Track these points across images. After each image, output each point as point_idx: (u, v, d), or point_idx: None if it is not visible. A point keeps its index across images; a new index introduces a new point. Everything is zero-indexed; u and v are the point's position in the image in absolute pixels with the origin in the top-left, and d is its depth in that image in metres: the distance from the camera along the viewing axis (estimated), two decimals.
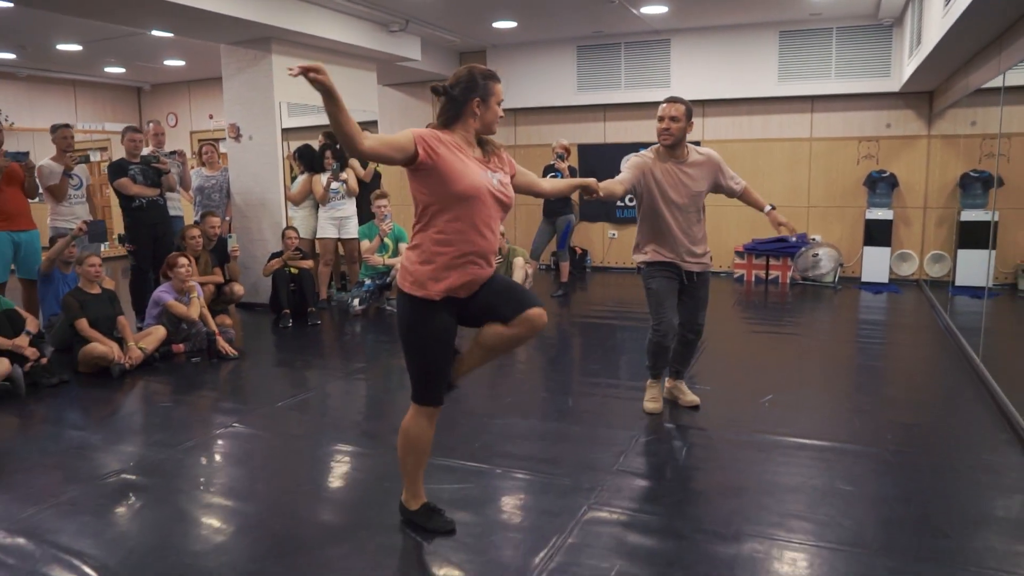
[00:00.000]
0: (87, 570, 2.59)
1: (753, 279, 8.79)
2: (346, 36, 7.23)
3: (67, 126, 6.35)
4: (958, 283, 7.25)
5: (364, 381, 5.16)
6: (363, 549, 2.73)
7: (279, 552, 2.71)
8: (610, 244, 9.74)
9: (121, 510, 3.11)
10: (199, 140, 12.10)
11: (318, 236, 7.35)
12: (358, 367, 5.45)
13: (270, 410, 4.43)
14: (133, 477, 3.42)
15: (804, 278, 8.49)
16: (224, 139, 7.56)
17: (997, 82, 4.83)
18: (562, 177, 7.71)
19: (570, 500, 3.07)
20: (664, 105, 3.83)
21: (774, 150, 8.84)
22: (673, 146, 3.86)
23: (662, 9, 7.56)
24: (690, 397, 4.28)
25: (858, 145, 8.49)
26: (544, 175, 7.93)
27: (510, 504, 3.10)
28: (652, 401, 4.20)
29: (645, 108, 9.21)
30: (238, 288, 6.59)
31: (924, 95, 8.09)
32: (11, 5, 6.06)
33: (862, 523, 2.86)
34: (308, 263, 6.85)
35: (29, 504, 3.14)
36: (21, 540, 2.82)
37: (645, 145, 9.33)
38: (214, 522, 3.01)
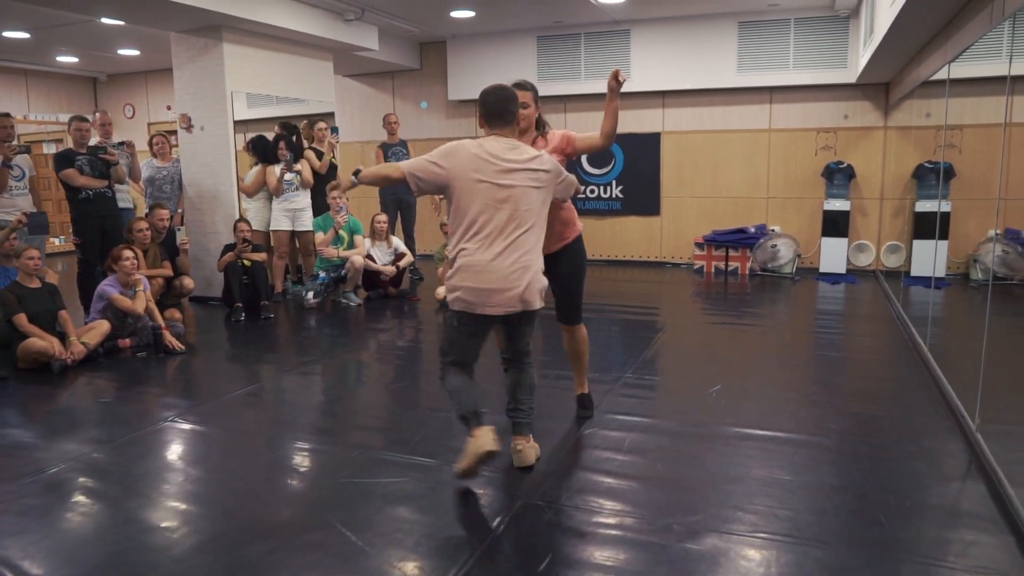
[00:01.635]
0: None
1: (713, 270, 8.82)
2: (299, 24, 7.10)
3: (6, 115, 6.16)
4: (913, 273, 7.33)
5: (318, 375, 5.08)
6: (323, 544, 2.66)
7: (218, 548, 2.64)
8: None
9: (51, 510, 3.01)
10: (157, 132, 11.90)
11: (272, 228, 7.24)
12: (311, 360, 5.37)
13: (217, 405, 4.35)
14: (68, 475, 3.32)
15: (763, 269, 8.54)
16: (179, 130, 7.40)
17: (943, 74, 4.86)
18: None
19: (506, 493, 3.03)
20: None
21: (734, 141, 8.87)
22: (523, 131, 3.63)
23: None
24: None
25: (816, 136, 8.54)
26: None
27: (444, 499, 3.04)
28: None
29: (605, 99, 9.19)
30: (188, 282, 6.46)
31: (880, 87, 8.16)
32: None
33: (798, 513, 2.86)
34: (261, 256, 6.74)
35: None
36: None
37: None
38: (151, 519, 2.93)
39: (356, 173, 3.30)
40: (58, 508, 3.03)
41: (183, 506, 3.05)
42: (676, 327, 6.19)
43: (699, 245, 8.88)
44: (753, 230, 8.70)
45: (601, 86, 8.75)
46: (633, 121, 9.18)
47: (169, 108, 11.92)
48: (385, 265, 7.20)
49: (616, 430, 3.76)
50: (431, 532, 2.75)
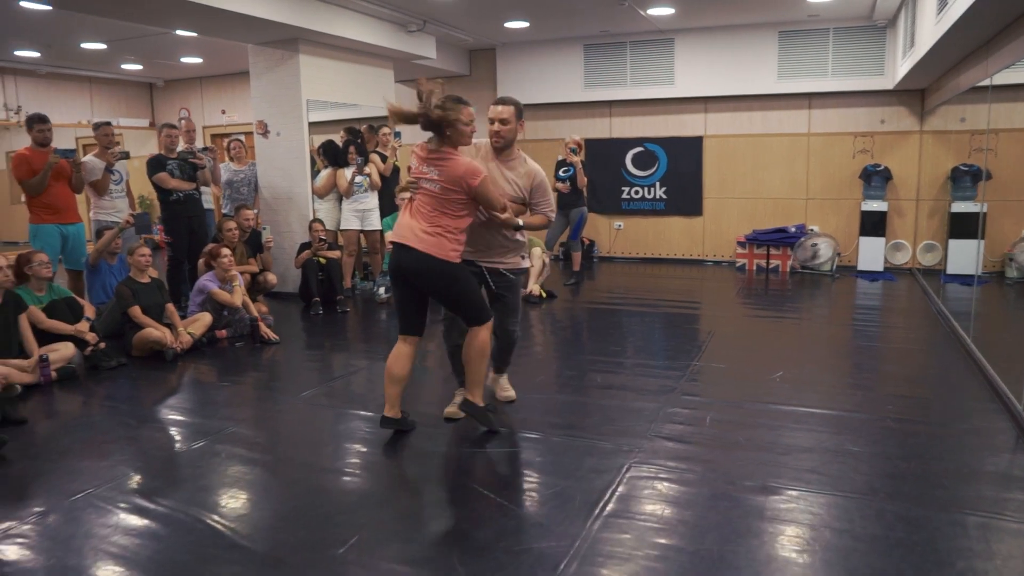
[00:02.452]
0: (210, 522, 2.97)
1: (754, 268, 9.20)
2: (367, 36, 7.57)
3: (108, 124, 6.66)
4: (949, 271, 7.70)
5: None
6: (465, 501, 3.11)
7: (376, 502, 3.10)
8: (616, 235, 10.13)
9: (222, 472, 3.48)
10: (212, 135, 12.45)
11: (342, 228, 7.70)
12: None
13: (329, 387, 4.81)
14: (220, 446, 3.79)
15: (803, 267, 8.92)
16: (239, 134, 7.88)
17: (985, 82, 5.24)
18: (574, 171, 8.11)
19: (613, 460, 3.46)
20: (495, 107, 3.75)
21: (773, 145, 9.25)
22: (501, 149, 3.80)
23: (669, 11, 7.94)
24: (507, 393, 4.32)
25: (854, 140, 8.91)
26: (556, 169, 8.31)
27: (561, 464, 3.48)
28: (451, 405, 4.08)
29: (649, 104, 9.62)
30: (271, 277, 6.94)
31: (916, 93, 8.51)
32: (48, 7, 6.38)
33: (871, 476, 3.28)
34: (336, 253, 7.21)
35: (126, 470, 3.51)
36: (141, 500, 3.19)
37: (650, 140, 9.72)
38: (314, 481, 3.39)
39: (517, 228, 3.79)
40: (226, 470, 3.50)
41: (346, 470, 3.51)
42: (725, 322, 6.60)
43: (741, 244, 9.27)
44: (793, 230, 9.08)
45: (646, 91, 9.27)
46: (676, 125, 9.60)
47: (224, 112, 12.45)
48: None
49: (696, 409, 4.18)
50: (556, 491, 3.19)
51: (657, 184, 9.82)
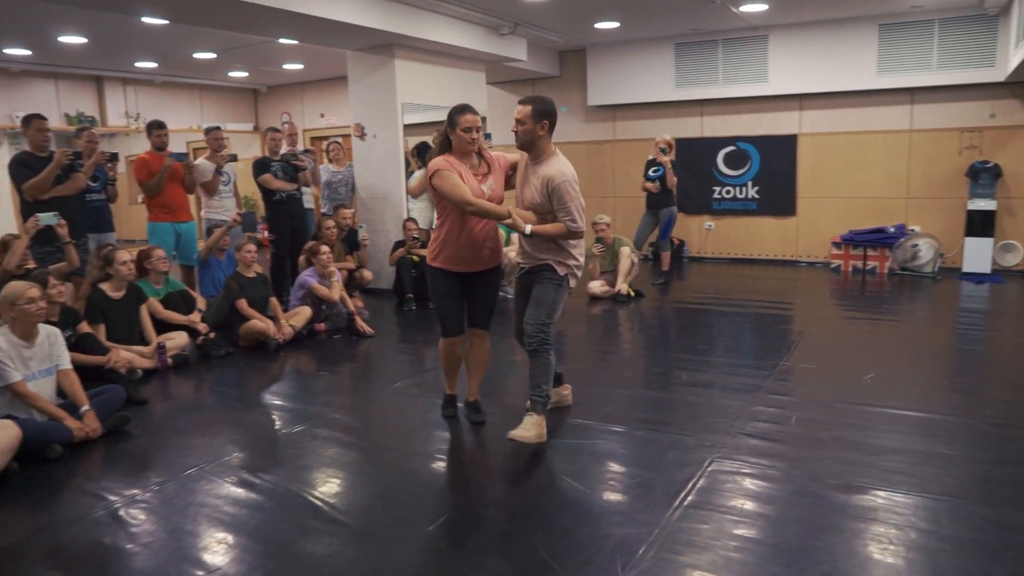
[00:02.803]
0: (311, 500, 3.19)
1: (850, 269, 8.95)
2: (461, 40, 7.78)
3: (218, 128, 7.09)
4: None
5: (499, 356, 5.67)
6: (549, 488, 3.23)
7: (468, 486, 3.25)
8: (707, 235, 10.03)
9: (320, 453, 3.71)
10: (312, 138, 12.98)
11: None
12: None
13: (424, 378, 5.01)
14: (318, 429, 4.03)
15: (903, 268, 8.61)
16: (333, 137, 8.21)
17: None
18: (663, 171, 8.10)
19: (695, 454, 3.50)
20: (517, 106, 3.69)
21: (872, 142, 8.97)
22: (523, 149, 3.70)
23: (762, 7, 7.83)
24: (564, 393, 4.24)
25: (960, 136, 8.54)
26: (646, 169, 8.32)
27: (644, 456, 3.55)
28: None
29: (742, 103, 9.48)
30: (367, 274, 7.23)
31: None
32: (165, 22, 6.86)
33: (962, 479, 3.20)
34: None
35: (234, 449, 3.78)
36: (247, 475, 3.45)
37: (742, 139, 9.61)
38: (407, 464, 3.57)
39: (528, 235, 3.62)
40: (324, 452, 3.72)
41: (436, 455, 3.68)
42: (817, 323, 6.47)
43: (836, 244, 9.03)
44: (892, 230, 8.78)
45: (738, 89, 9.15)
46: (770, 123, 9.43)
47: (322, 116, 12.97)
48: None
49: (782, 408, 4.16)
50: (638, 481, 3.26)
51: (749, 183, 9.67)
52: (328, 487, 3.31)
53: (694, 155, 9.78)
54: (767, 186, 9.58)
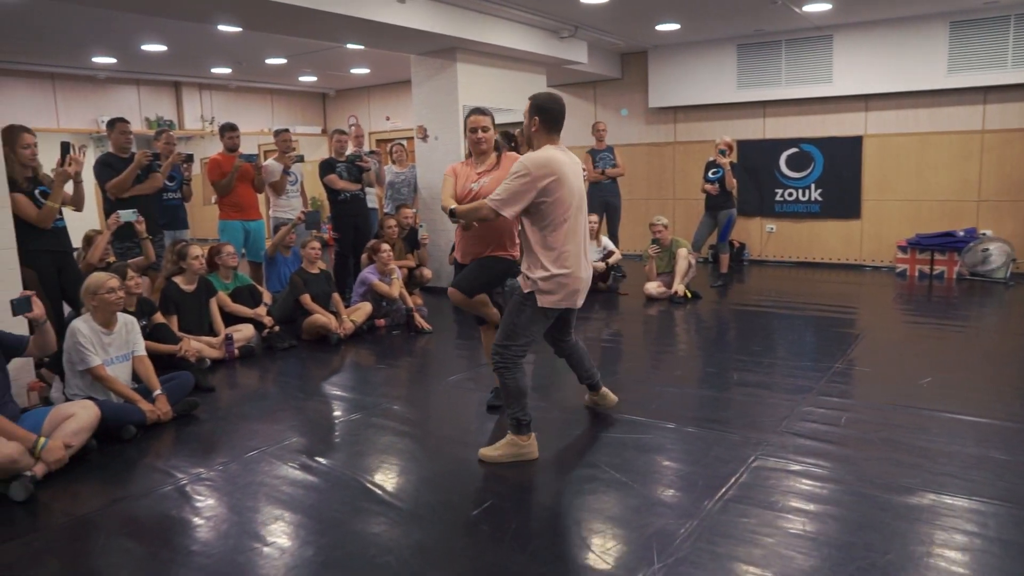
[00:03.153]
0: (364, 484, 3.35)
1: (916, 274, 8.73)
2: (521, 44, 7.90)
3: (286, 130, 7.38)
4: None
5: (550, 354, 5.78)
6: (595, 478, 3.32)
7: (512, 476, 3.36)
8: (768, 238, 9.92)
9: (376, 441, 3.87)
10: (377, 140, 13.29)
11: None
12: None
13: (478, 372, 5.14)
14: (375, 419, 4.20)
15: (972, 273, 8.36)
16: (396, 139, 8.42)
17: None
18: (722, 173, 8.06)
19: (740, 451, 3.53)
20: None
21: (941, 144, 8.74)
22: (527, 143, 3.58)
23: (826, 7, 7.72)
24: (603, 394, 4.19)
25: None
26: (705, 171, 8.30)
27: (688, 451, 3.59)
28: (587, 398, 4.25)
29: (806, 104, 9.36)
30: (427, 272, 7.41)
31: None
32: (240, 29, 7.17)
33: (1014, 484, 3.15)
34: None
35: (294, 434, 3.98)
36: (305, 459, 3.63)
37: (805, 140, 9.46)
38: (456, 453, 3.71)
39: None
40: (378, 439, 3.88)
41: (481, 446, 3.80)
42: (879, 325, 6.36)
43: (902, 248, 8.82)
44: (962, 233, 8.54)
45: (802, 90, 9.03)
46: (834, 125, 9.28)
47: (388, 119, 13.28)
48: (595, 262, 7.83)
49: (832, 409, 4.14)
50: (681, 475, 3.31)
51: (812, 186, 9.53)
52: (380, 472, 3.46)
53: (756, 157, 9.69)
54: (830, 188, 9.42)
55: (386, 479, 3.37)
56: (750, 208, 9.81)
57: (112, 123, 5.98)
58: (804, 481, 3.22)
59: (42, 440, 3.32)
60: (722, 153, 8.10)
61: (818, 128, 9.41)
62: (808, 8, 7.75)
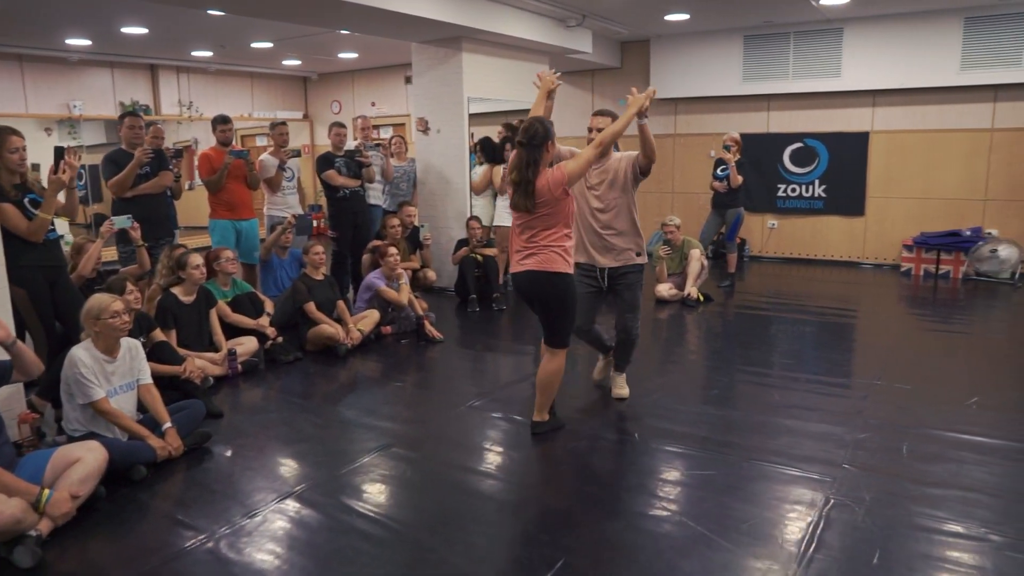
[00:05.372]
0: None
1: (921, 273, 8.61)
2: (528, 32, 7.55)
3: (283, 123, 6.94)
4: None
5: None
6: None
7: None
8: (769, 234, 9.73)
9: (391, 475, 3.57)
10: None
11: (496, 224, 7.75)
12: None
13: (505, 391, 4.85)
14: (396, 450, 3.89)
15: (979, 274, 8.25)
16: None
17: None
18: (728, 169, 7.82)
19: (809, 491, 3.30)
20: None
21: (950, 141, 8.59)
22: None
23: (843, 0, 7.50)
24: (618, 390, 4.60)
25: None
26: (715, 168, 8.06)
27: (756, 493, 3.34)
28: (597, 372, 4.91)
29: (812, 98, 9.14)
30: (431, 274, 7.08)
31: None
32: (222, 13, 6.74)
33: None
34: (493, 251, 7.27)
35: (313, 467, 3.66)
36: (348, 505, 3.32)
37: (810, 135, 9.26)
38: (469, 482, 3.42)
39: None
40: (394, 474, 3.58)
41: (497, 477, 3.52)
42: (891, 333, 6.19)
43: (908, 247, 8.69)
44: (968, 233, 8.42)
45: (809, 84, 8.79)
46: (840, 120, 9.09)
47: (374, 104, 12.82)
48: None
49: (887, 435, 3.92)
50: (754, 524, 3.06)
51: (816, 182, 9.35)
52: (434, 526, 3.16)
53: (759, 151, 9.46)
54: (835, 184, 9.25)
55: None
56: (752, 203, 9.55)
57: (122, 117, 5.59)
58: (900, 525, 2.99)
59: (46, 492, 2.96)
60: (726, 148, 7.86)
61: (824, 123, 9.20)
62: (826, 0, 7.49)
